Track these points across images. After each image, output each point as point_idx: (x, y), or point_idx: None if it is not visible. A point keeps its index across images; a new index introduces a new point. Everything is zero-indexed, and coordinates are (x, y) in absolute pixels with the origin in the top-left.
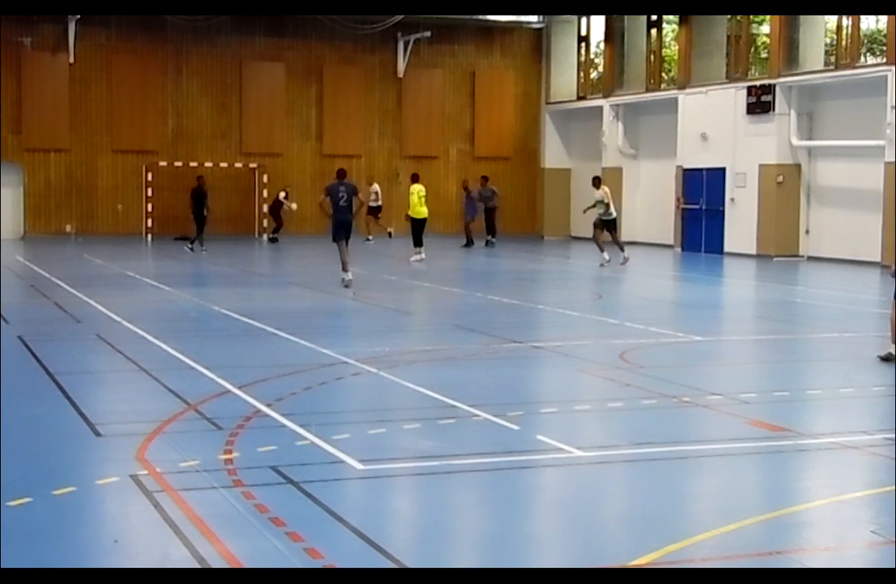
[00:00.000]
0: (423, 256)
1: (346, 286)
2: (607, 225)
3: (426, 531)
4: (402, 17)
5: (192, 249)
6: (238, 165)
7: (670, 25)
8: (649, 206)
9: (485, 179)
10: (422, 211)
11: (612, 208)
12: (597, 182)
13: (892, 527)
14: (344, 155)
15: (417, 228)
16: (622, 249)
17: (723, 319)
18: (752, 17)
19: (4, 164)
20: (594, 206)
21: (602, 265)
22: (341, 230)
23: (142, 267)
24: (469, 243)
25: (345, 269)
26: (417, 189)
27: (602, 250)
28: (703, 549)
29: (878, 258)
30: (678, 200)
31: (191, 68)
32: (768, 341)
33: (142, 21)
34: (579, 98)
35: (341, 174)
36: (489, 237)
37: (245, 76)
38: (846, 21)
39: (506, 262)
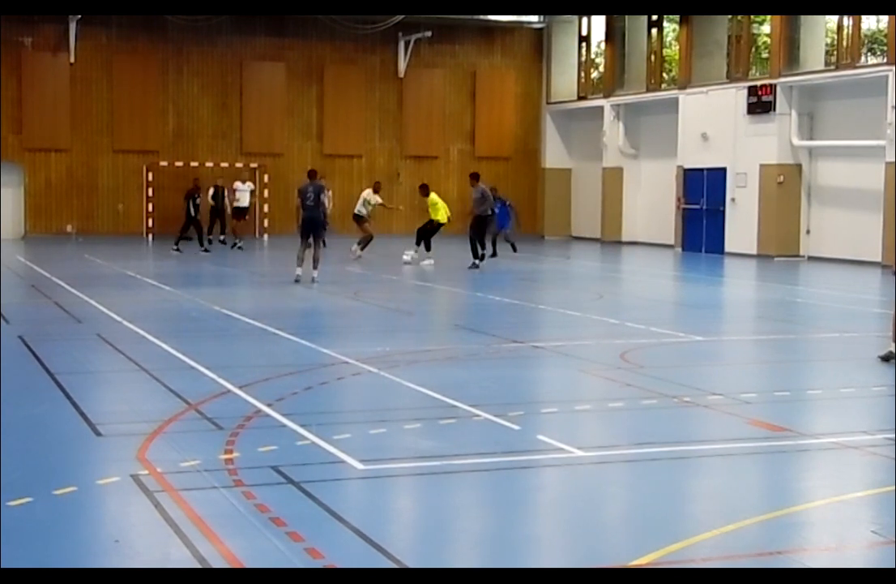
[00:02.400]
0: (413, 259)
1: (296, 282)
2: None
3: (426, 531)
4: (402, 17)
5: (178, 250)
6: (239, 164)
7: (671, 25)
8: (650, 206)
9: (474, 176)
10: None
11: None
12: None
13: (893, 527)
14: (344, 155)
15: (433, 232)
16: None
17: (723, 319)
18: (752, 17)
19: (5, 164)
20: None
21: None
22: (307, 227)
23: (142, 267)
24: (493, 254)
25: (299, 264)
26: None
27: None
28: (703, 549)
29: (878, 258)
30: (679, 200)
31: (191, 68)
32: (768, 341)
33: (142, 21)
34: (580, 98)
35: (312, 175)
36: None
37: (245, 76)
38: (847, 21)
39: (506, 262)
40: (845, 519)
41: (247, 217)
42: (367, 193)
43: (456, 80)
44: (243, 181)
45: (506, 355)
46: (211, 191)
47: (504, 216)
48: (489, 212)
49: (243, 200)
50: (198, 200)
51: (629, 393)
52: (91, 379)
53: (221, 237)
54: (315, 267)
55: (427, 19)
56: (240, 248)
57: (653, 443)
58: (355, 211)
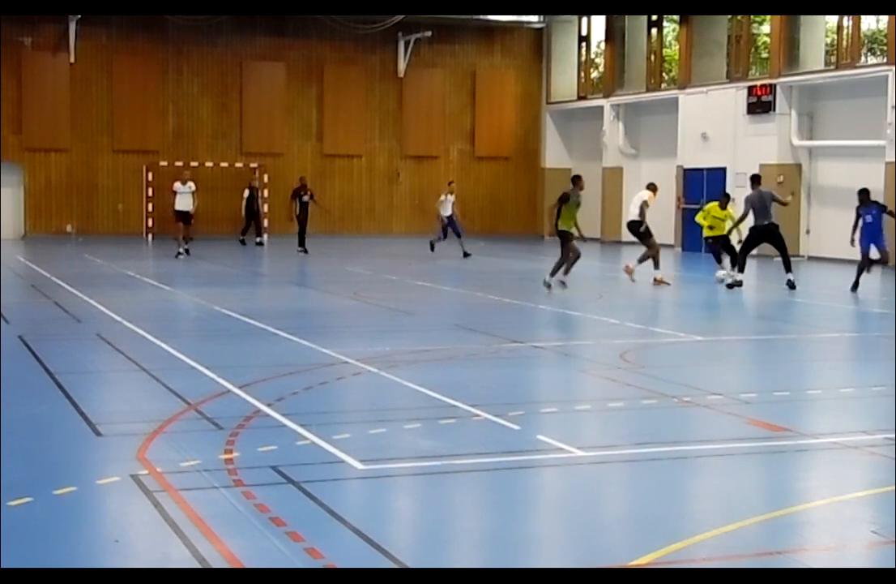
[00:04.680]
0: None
1: (563, 286)
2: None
3: (426, 531)
4: (402, 17)
5: (305, 252)
6: (238, 164)
7: (671, 25)
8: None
9: (754, 178)
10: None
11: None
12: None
13: (893, 527)
14: (344, 155)
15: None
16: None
17: (723, 319)
18: (752, 16)
19: (5, 164)
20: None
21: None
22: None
23: (142, 267)
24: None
25: (563, 272)
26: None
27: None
28: (703, 549)
29: (878, 258)
30: (679, 200)
31: (191, 68)
32: (768, 341)
33: (142, 21)
34: (580, 98)
35: (576, 181)
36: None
37: (245, 76)
38: (847, 21)
39: (506, 262)
40: (845, 519)
41: (192, 221)
42: (647, 196)
43: (456, 80)
44: (184, 182)
45: (506, 355)
46: (246, 193)
47: (874, 230)
48: (766, 222)
49: (184, 203)
50: (304, 199)
51: (629, 393)
52: (91, 379)
53: (257, 239)
54: (564, 272)
55: (427, 19)
56: (186, 251)
57: (653, 443)
58: (634, 218)
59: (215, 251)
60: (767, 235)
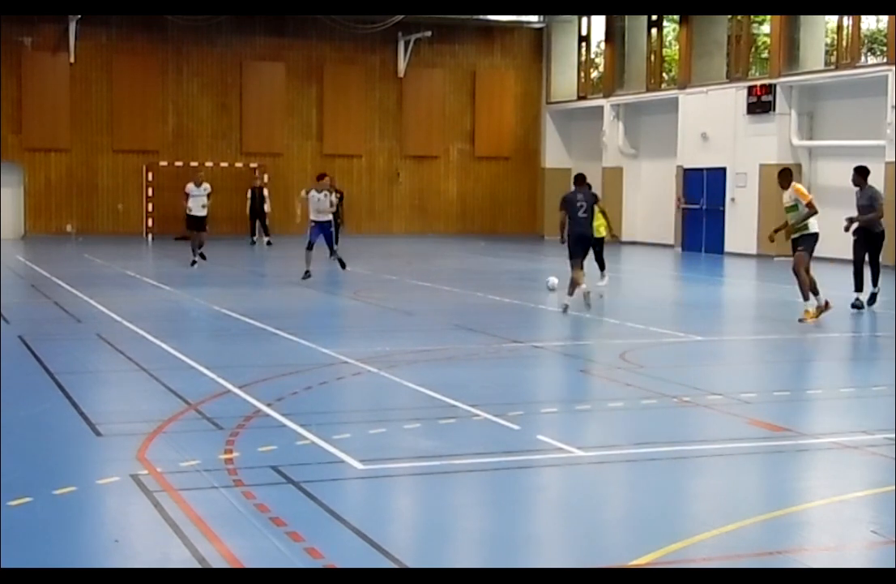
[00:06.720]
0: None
1: (588, 305)
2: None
3: (426, 531)
4: (402, 16)
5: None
6: (238, 164)
7: (671, 25)
8: (650, 206)
9: (861, 171)
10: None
11: (807, 220)
12: (785, 176)
13: (893, 527)
14: (344, 155)
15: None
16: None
17: (723, 319)
18: (752, 17)
19: (5, 163)
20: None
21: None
22: (579, 245)
23: (142, 267)
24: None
25: (572, 288)
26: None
27: (807, 296)
28: (703, 549)
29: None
30: (679, 199)
31: (191, 68)
32: (768, 341)
33: (142, 21)
34: (580, 98)
35: (579, 180)
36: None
37: (245, 76)
38: (847, 21)
39: (506, 262)
40: (845, 519)
41: (206, 228)
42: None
43: (456, 80)
44: (198, 183)
45: (506, 355)
46: (249, 193)
47: None
48: (880, 226)
49: (198, 206)
50: (332, 200)
51: (629, 393)
52: (91, 379)
53: (266, 239)
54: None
55: (427, 19)
56: (202, 255)
57: (653, 443)
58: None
59: (215, 251)
60: (867, 237)
